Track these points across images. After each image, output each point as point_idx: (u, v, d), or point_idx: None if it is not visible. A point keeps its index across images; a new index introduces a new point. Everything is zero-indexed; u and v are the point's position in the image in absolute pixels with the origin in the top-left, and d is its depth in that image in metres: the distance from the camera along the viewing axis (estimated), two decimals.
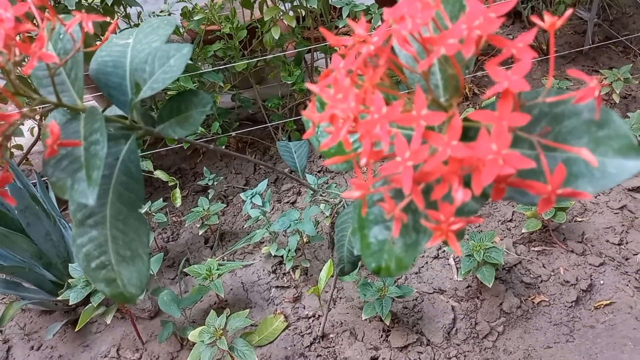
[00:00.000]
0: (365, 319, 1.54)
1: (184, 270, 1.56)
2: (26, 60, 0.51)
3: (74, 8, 1.64)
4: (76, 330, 1.46)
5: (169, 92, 1.80)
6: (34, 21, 0.55)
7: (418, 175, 0.40)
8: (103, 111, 0.69)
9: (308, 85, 0.48)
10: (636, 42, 2.62)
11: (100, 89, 0.68)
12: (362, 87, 0.42)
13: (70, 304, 1.34)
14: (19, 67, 0.52)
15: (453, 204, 0.39)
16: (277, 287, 1.69)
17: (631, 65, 2.31)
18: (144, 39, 0.71)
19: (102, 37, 1.71)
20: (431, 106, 0.43)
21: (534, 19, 0.41)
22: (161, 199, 1.80)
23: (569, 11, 0.39)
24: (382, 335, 1.53)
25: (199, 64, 2.02)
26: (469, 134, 0.47)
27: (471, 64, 0.44)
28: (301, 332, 1.55)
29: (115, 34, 0.79)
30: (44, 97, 0.58)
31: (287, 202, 2.00)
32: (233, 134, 2.12)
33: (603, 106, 0.41)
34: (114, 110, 0.72)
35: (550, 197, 0.38)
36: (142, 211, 0.62)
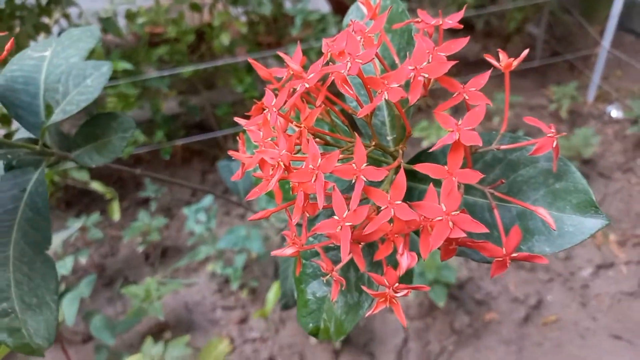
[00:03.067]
0: (315, 342, 1.49)
1: (122, 290, 1.46)
2: None
3: (3, 7, 1.52)
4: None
5: (108, 107, 1.68)
6: None
7: (359, 235, 0.35)
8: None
9: (236, 119, 0.42)
10: (580, 60, 2.69)
11: (6, 108, 0.59)
12: (297, 127, 0.36)
13: None
14: None
15: (398, 269, 0.34)
16: (222, 307, 1.61)
17: (577, 82, 2.37)
18: (62, 53, 0.63)
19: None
20: (376, 151, 0.38)
21: (489, 58, 0.36)
22: (98, 212, 1.68)
23: (525, 52, 0.35)
24: (332, 357, 1.48)
25: (143, 68, 1.92)
26: (417, 175, 0.43)
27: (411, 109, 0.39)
28: (247, 356, 1.48)
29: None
30: None
31: (236, 215, 1.92)
32: (179, 142, 2.02)
33: (561, 157, 0.37)
34: (25, 131, 0.64)
35: (504, 261, 0.34)
36: (49, 252, 0.54)
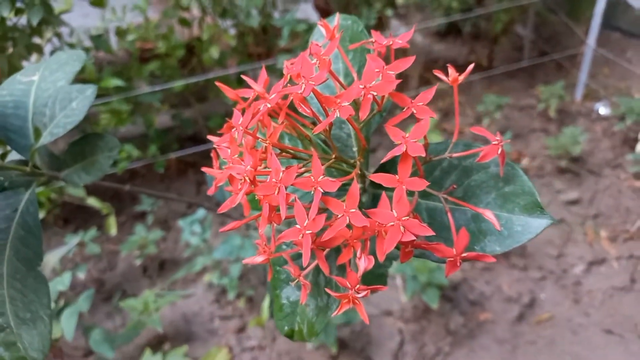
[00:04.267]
0: (312, 348, 1.51)
1: (120, 304, 1.49)
2: None
3: None
4: None
5: (101, 123, 1.71)
6: None
7: (322, 241, 0.37)
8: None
9: (209, 137, 0.45)
10: (567, 59, 2.73)
11: None
12: (263, 142, 0.39)
13: None
14: None
15: (358, 272, 0.37)
16: (220, 317, 1.63)
17: (564, 81, 2.41)
18: (50, 77, 0.66)
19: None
20: (337, 164, 0.41)
21: (438, 73, 0.39)
22: (95, 227, 1.71)
23: (470, 66, 0.38)
24: None
25: (135, 84, 1.95)
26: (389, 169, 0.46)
27: (374, 119, 0.42)
28: None
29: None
30: None
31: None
32: (172, 155, 2.05)
33: (509, 161, 0.40)
34: (16, 154, 0.67)
35: (456, 261, 0.37)
36: (41, 269, 0.57)
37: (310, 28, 2.05)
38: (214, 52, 1.90)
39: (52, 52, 1.81)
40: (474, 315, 1.62)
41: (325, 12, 2.53)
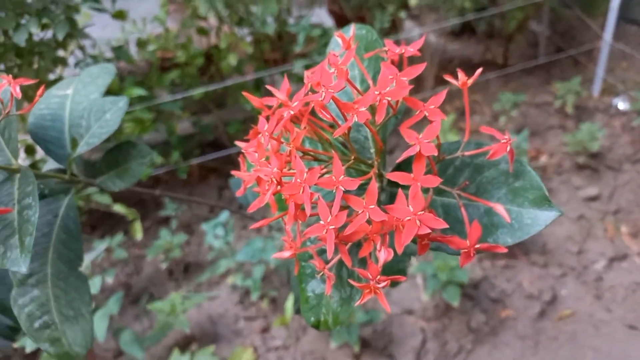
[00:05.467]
0: (336, 347, 1.54)
1: (147, 307, 1.53)
2: None
3: (24, 45, 1.62)
4: None
5: (125, 132, 1.77)
6: None
7: (344, 236, 0.41)
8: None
9: (237, 142, 0.49)
10: (584, 54, 2.72)
11: (37, 143, 0.67)
12: (287, 148, 0.42)
13: (27, 351, 1.30)
14: None
15: (378, 263, 0.40)
16: (245, 318, 1.67)
17: (581, 77, 2.40)
18: (83, 90, 0.71)
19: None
20: (356, 164, 0.44)
21: (448, 77, 0.42)
22: (122, 233, 1.76)
23: (479, 70, 0.41)
24: None
25: (156, 93, 2.01)
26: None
27: (390, 122, 0.45)
28: None
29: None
30: None
31: (253, 229, 1.99)
32: (194, 161, 2.10)
33: (517, 158, 0.42)
34: (54, 162, 0.71)
35: (469, 252, 0.39)
36: (82, 269, 0.61)
37: (325, 33, 2.08)
38: (232, 60, 1.95)
39: (75, 64, 1.88)
40: (496, 313, 1.63)
41: (339, 17, 2.56)
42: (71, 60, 1.95)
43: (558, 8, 2.85)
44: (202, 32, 2.04)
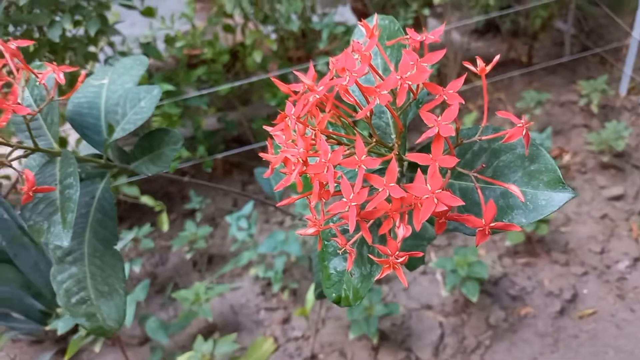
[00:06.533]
0: (354, 338, 1.56)
1: (172, 295, 1.58)
2: None
3: (57, 41, 1.68)
4: (66, 359, 1.47)
5: (153, 126, 1.82)
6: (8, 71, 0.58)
7: (365, 213, 0.43)
8: None
9: (265, 127, 0.51)
10: (611, 52, 2.68)
11: (75, 129, 0.71)
12: (313, 130, 0.45)
13: (59, 333, 1.35)
14: None
15: (397, 239, 0.42)
16: (266, 308, 1.70)
17: (607, 76, 2.37)
18: (118, 80, 0.75)
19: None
20: (376, 148, 0.46)
21: (467, 64, 0.44)
22: (149, 224, 1.81)
23: (496, 58, 0.43)
24: (371, 354, 1.55)
25: (183, 88, 2.05)
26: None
27: (411, 109, 0.48)
28: (291, 354, 1.57)
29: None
30: (20, 144, 0.61)
31: (275, 222, 2.02)
32: (219, 156, 2.14)
33: (533, 141, 0.44)
34: (89, 148, 0.75)
35: (485, 230, 0.41)
36: (117, 248, 0.65)
37: (349, 30, 2.10)
38: (257, 57, 1.98)
39: (105, 60, 1.94)
40: (515, 310, 1.63)
41: (362, 14, 2.58)
42: (101, 57, 2.01)
43: (585, 6, 2.82)
44: (228, 29, 2.09)
